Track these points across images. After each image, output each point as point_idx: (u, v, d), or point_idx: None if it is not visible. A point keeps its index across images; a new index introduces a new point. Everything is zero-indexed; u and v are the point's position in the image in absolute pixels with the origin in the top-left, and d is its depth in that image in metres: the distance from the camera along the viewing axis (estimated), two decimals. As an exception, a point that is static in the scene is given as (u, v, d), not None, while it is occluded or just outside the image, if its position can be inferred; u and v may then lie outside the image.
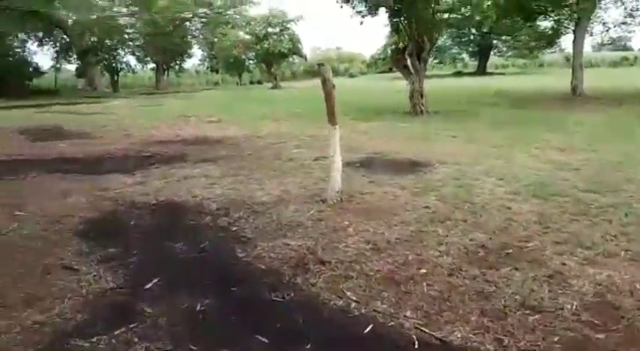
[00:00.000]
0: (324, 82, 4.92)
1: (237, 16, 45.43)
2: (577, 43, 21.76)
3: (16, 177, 6.74)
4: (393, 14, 15.27)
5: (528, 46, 53.61)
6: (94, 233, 4.35)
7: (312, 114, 16.20)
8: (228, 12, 44.98)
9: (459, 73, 52.03)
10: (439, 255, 3.71)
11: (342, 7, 15.55)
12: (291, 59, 50.13)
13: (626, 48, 55.57)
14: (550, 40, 24.05)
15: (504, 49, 59.69)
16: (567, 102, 18.10)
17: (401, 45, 15.44)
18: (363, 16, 15.99)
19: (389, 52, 75.36)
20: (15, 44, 39.41)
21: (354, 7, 15.73)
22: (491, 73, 53.96)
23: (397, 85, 39.93)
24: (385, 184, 5.88)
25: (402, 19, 14.95)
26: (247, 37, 46.67)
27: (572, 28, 22.13)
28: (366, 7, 15.70)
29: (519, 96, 21.21)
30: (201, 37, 49.58)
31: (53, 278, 3.43)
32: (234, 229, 4.39)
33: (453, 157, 7.59)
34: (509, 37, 56.09)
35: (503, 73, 53.88)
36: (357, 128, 11.87)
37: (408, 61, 15.30)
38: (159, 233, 4.32)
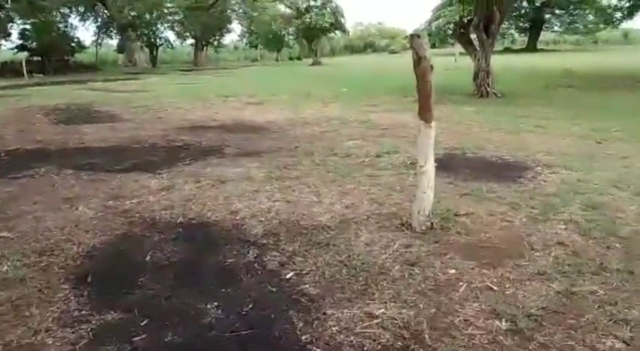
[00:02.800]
0: (419, 60, 3.45)
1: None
2: (661, 16, 19.13)
3: (21, 174, 5.58)
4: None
5: (587, 22, 49.87)
6: (94, 276, 3.09)
7: (359, 94, 14.69)
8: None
9: (507, 50, 48.76)
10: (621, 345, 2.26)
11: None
12: (332, 34, 48.11)
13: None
14: (631, 11, 21.31)
15: (557, 24, 55.97)
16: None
17: (466, 17, 13.59)
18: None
19: (433, 28, 72.99)
20: (57, 19, 39.11)
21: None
22: (543, 50, 50.50)
23: (445, 62, 37.72)
24: (485, 199, 4.39)
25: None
26: (288, 10, 45.09)
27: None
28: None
29: (594, 76, 18.91)
30: (240, 11, 48.15)
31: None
32: (289, 276, 3.04)
33: (554, 156, 5.99)
34: (563, 11, 52.54)
35: (557, 50, 50.35)
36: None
37: (473, 36, 13.47)
38: (183, 281, 3.01)
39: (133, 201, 4.52)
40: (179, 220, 4.03)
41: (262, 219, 4.01)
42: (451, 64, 34.46)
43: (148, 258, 3.34)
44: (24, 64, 24.55)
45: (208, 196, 4.63)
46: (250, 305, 2.70)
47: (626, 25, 27.61)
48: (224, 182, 5.09)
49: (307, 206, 4.30)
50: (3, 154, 6.71)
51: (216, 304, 2.73)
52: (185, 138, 7.85)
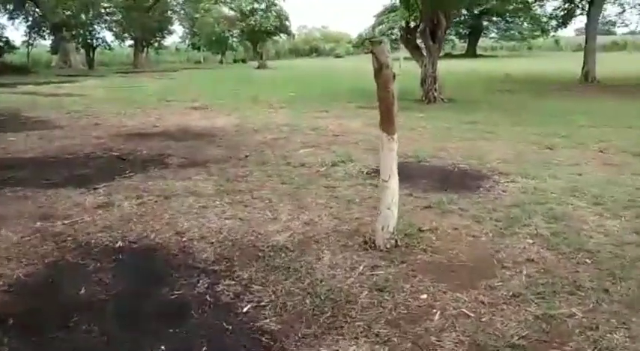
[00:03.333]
0: (380, 67, 3.22)
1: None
2: (590, 26, 20.27)
3: None
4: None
5: (522, 29, 52.42)
6: (16, 318, 2.62)
7: (307, 98, 14.46)
8: (212, -15, 42.29)
9: (448, 55, 50.23)
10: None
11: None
12: (277, 37, 47.71)
13: (609, 32, 54.55)
14: (565, 20, 22.37)
15: (495, 31, 58.55)
16: (588, 89, 16.65)
17: (412, 22, 13.68)
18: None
19: (376, 33, 74.46)
20: (-18, 17, 36.50)
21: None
22: (482, 56, 52.52)
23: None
24: (448, 212, 4.24)
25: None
26: (232, 13, 44.24)
27: (586, 9, 20.61)
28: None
29: (531, 81, 19.67)
30: (182, 12, 46.83)
31: None
32: (246, 309, 2.70)
33: (508, 164, 5.98)
34: (500, 19, 54.97)
35: (495, 56, 52.57)
36: (369, 118, 10.19)
37: (419, 41, 13.58)
38: (123, 320, 2.61)
39: (65, 221, 4.02)
40: (118, 244, 3.58)
41: (213, 240, 3.64)
42: (395, 69, 35.14)
43: (82, 291, 2.90)
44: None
45: (151, 215, 4.20)
46: (204, 348, 2.35)
47: (559, 32, 29.13)
48: (168, 198, 4.66)
49: (262, 224, 3.98)
50: None
51: (163, 347, 2.36)
52: (123, 147, 7.30)
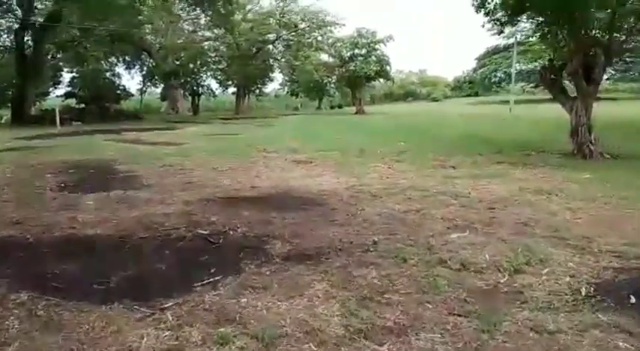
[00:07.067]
0: None
1: (321, 37, 42.96)
2: None
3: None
4: (546, 21, 11.19)
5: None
6: None
7: (422, 149, 12.39)
8: (313, 33, 42.56)
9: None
10: None
11: (477, 12, 11.56)
12: (375, 82, 46.69)
13: None
14: None
15: (612, 71, 52.94)
16: None
17: (556, 61, 11.28)
18: (501, 25, 12.01)
19: (477, 76, 70.98)
20: (104, 68, 39.40)
21: (488, 14, 11.72)
22: (599, 98, 47.17)
23: (496, 110, 35.23)
24: None
25: (560, 23, 10.80)
26: (331, 59, 44.06)
27: None
28: (505, 14, 11.63)
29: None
30: (283, 60, 47.56)
31: None
32: None
33: None
34: (618, 59, 49.68)
35: (614, 99, 46.96)
36: (519, 180, 7.90)
37: (567, 82, 11.13)
38: None
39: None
40: None
41: None
42: (505, 113, 32.07)
43: None
44: (57, 112, 23.66)
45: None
46: None
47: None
48: (266, 343, 2.77)
49: None
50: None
51: None
52: (214, 219, 5.68)
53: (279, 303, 3.28)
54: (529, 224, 5.22)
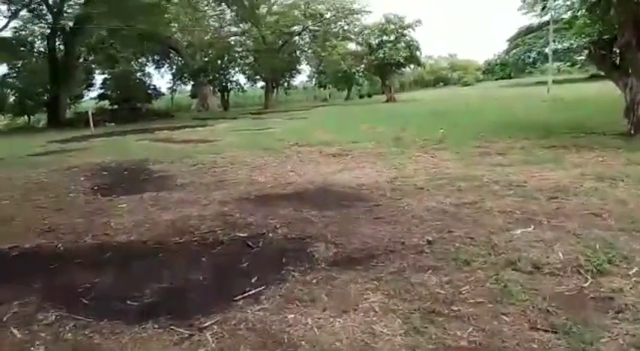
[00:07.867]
0: None
1: (348, 26, 42.26)
2: None
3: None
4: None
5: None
6: None
7: (462, 136, 11.70)
8: (340, 23, 41.87)
9: (594, 77, 43.30)
10: None
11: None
12: (404, 69, 45.57)
13: None
14: None
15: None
16: None
17: (606, 35, 10.46)
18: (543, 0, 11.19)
19: (509, 57, 68.67)
20: (135, 68, 39.92)
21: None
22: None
23: (533, 92, 33.82)
24: None
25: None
26: (358, 48, 43.27)
27: None
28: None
29: None
30: (310, 51, 47.05)
31: None
32: None
33: None
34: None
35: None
36: (577, 165, 7.26)
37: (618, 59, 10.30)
38: None
39: None
40: None
41: None
42: (543, 94, 30.72)
43: None
44: (90, 114, 23.93)
45: None
46: None
47: None
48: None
49: None
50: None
51: None
52: (251, 220, 5.34)
53: (331, 319, 2.89)
54: (600, 215, 4.67)
